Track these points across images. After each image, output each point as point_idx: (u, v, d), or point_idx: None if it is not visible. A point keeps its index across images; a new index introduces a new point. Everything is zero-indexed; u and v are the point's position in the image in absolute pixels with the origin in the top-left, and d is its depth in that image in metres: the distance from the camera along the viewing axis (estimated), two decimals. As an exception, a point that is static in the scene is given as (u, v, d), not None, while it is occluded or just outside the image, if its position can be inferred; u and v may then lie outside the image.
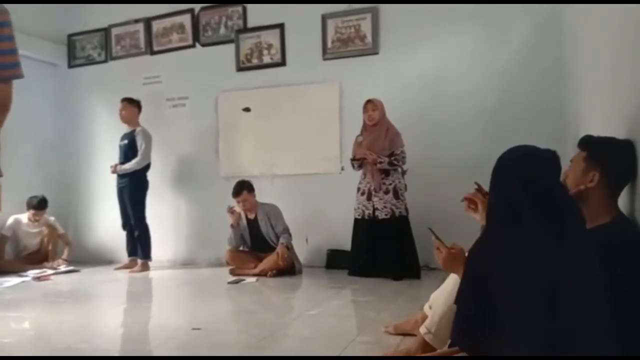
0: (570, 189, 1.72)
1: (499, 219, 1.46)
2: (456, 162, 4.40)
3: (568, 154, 3.36)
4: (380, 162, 4.14)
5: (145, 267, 4.97)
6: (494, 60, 4.45)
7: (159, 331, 2.87)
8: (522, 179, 1.43)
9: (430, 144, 4.53)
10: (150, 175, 5.12)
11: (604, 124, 2.29)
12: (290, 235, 4.55)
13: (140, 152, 4.98)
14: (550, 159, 1.50)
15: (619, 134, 1.81)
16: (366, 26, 4.84)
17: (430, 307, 2.27)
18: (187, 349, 2.43)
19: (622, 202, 1.73)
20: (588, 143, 1.78)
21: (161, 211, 5.38)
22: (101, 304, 3.80)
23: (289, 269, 4.43)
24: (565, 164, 2.83)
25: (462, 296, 1.45)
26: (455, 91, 4.53)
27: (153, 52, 5.70)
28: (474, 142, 4.38)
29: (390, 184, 4.18)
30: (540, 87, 4.28)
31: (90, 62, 5.99)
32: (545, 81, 4.25)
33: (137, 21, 5.76)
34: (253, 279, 4.26)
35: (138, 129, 5.06)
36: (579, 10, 3.14)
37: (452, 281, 2.14)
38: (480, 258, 1.42)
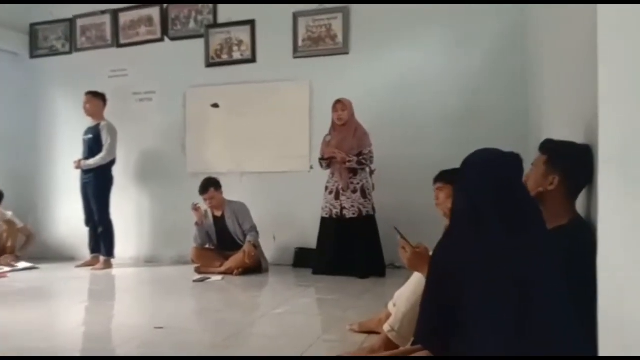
0: (530, 191, 1.78)
1: (463, 219, 1.49)
2: (423, 163, 4.42)
3: (531, 157, 3.45)
4: (349, 161, 4.16)
5: (107, 265, 4.86)
6: (462, 64, 4.53)
7: (121, 330, 2.82)
8: (486, 181, 1.48)
9: (397, 145, 4.58)
10: (115, 170, 5.01)
11: (564, 129, 2.37)
12: (257, 233, 4.54)
13: (105, 147, 4.86)
14: (513, 161, 1.56)
15: (578, 138, 1.88)
16: (337, 26, 4.86)
17: (394, 305, 2.30)
18: (150, 348, 2.39)
19: (579, 204, 1.80)
20: (549, 147, 1.83)
21: (125, 207, 5.28)
22: (62, 302, 3.70)
23: (255, 267, 4.42)
24: (527, 167, 2.91)
25: (427, 296, 1.47)
26: (424, 93, 4.60)
27: (120, 45, 5.58)
28: (440, 144, 4.45)
29: (358, 184, 4.21)
30: (506, 91, 4.38)
31: (54, 52, 5.81)
32: (511, 86, 4.35)
33: (103, 12, 5.63)
34: (219, 277, 4.22)
35: (103, 123, 4.94)
36: (543, 15, 3.23)
37: (416, 280, 2.17)
38: (445, 259, 1.45)
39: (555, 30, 2.68)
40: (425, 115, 4.59)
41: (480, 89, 4.47)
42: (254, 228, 4.53)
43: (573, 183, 1.73)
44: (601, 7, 1.22)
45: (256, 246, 4.45)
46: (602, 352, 1.14)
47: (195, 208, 4.55)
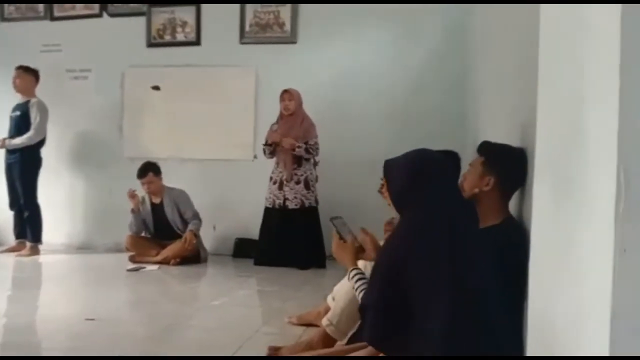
0: (467, 191, 1.84)
1: (406, 219, 1.53)
2: (365, 156, 4.49)
3: (468, 157, 3.57)
4: (299, 147, 4.14)
5: (34, 251, 4.58)
6: (407, 61, 4.60)
7: (48, 322, 2.67)
8: (411, 176, 1.53)
9: (341, 138, 4.59)
10: (45, 151, 4.72)
11: (501, 131, 2.46)
12: (200, 221, 4.42)
13: (33, 126, 4.56)
14: (441, 159, 1.61)
15: (514, 141, 1.96)
16: (285, 14, 4.79)
17: (333, 299, 2.32)
18: (79, 341, 2.29)
19: (512, 204, 1.89)
20: (486, 149, 1.90)
21: (57, 191, 4.99)
22: (-19, 291, 3.46)
23: (193, 257, 4.31)
24: (465, 167, 2.99)
25: (374, 296, 1.45)
26: (369, 88, 4.64)
27: (53, 18, 5.23)
28: (383, 139, 4.50)
29: (302, 175, 4.21)
30: (446, 91, 4.48)
31: (-23, 21, 5.37)
32: (451, 86, 4.46)
33: (36, -19, 5.26)
34: (154, 267, 4.08)
35: (33, 100, 4.64)
36: (485, 17, 3.33)
37: (361, 265, 2.20)
38: (393, 257, 1.46)
39: (495, 34, 2.77)
40: (369, 109, 4.62)
41: (422, 86, 4.56)
42: (196, 216, 4.42)
43: (508, 185, 1.80)
44: (544, 9, 1.26)
45: (196, 235, 4.35)
46: (529, 351, 1.20)
47: (132, 194, 4.37)
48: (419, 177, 1.51)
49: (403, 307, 1.37)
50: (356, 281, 1.76)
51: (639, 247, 0.71)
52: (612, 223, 0.73)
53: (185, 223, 4.40)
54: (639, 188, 0.71)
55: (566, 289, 0.97)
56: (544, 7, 1.26)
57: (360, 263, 2.20)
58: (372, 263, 2.12)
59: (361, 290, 1.68)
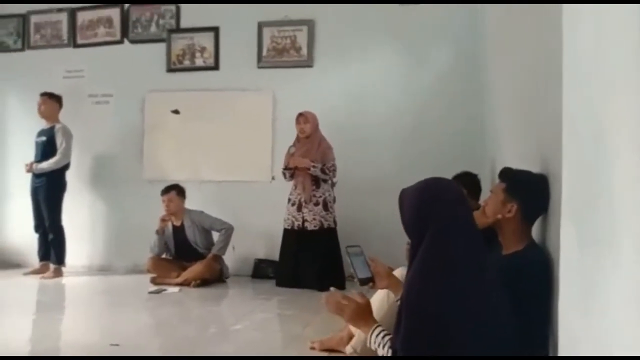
0: (489, 218, 1.84)
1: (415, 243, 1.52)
2: (381, 178, 4.52)
3: (486, 178, 3.56)
4: (314, 167, 4.18)
5: (58, 273, 4.66)
6: (418, 84, 4.64)
7: (72, 347, 2.70)
8: (419, 207, 1.51)
9: (357, 159, 4.61)
10: (68, 175, 4.83)
11: (519, 154, 2.46)
12: (231, 226, 4.47)
13: (59, 151, 4.68)
14: (447, 183, 1.60)
15: (534, 165, 1.97)
16: (302, 38, 4.87)
17: (356, 325, 2.32)
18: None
19: (535, 230, 1.88)
20: (508, 176, 1.89)
21: (78, 213, 5.08)
22: (6, 315, 3.47)
23: (216, 277, 4.35)
24: (485, 189, 2.97)
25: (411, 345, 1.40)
26: (383, 110, 4.68)
27: (77, 45, 5.38)
28: (397, 160, 4.54)
29: (320, 196, 4.23)
30: (461, 112, 4.50)
31: (5, 49, 5.54)
32: (467, 107, 4.48)
33: (60, 10, 5.42)
34: (175, 289, 4.13)
35: (58, 126, 4.76)
36: (498, 34, 3.34)
37: (379, 299, 2.20)
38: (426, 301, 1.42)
39: (510, 53, 2.77)
40: (382, 130, 4.65)
41: (436, 109, 4.56)
42: (225, 223, 4.47)
43: (530, 211, 1.80)
44: (567, 38, 1.24)
45: (219, 257, 4.39)
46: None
47: (164, 219, 4.44)
48: (427, 207, 1.49)
49: (437, 348, 1.36)
50: (383, 337, 1.60)
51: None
52: None
53: (211, 243, 4.48)
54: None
55: (597, 333, 0.96)
56: (567, 25, 1.24)
57: (380, 294, 2.21)
58: (387, 291, 2.12)
59: (388, 341, 1.57)
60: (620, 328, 0.83)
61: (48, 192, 4.66)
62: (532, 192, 1.79)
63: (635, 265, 0.77)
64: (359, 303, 1.70)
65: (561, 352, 1.22)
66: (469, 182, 3.16)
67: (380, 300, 2.18)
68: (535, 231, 1.86)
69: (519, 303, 1.49)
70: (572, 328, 1.17)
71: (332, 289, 1.80)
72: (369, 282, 1.92)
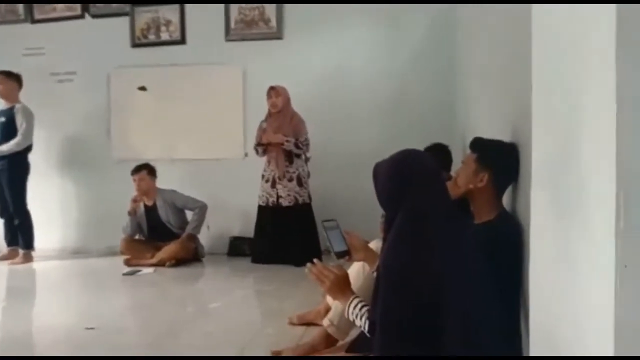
0: (461, 188, 1.85)
1: (402, 224, 1.52)
2: (355, 152, 4.50)
3: (458, 150, 3.58)
4: (287, 141, 4.14)
5: (27, 258, 4.55)
6: (393, 56, 4.60)
7: (47, 332, 2.67)
8: (394, 179, 1.51)
9: (331, 134, 4.59)
10: (34, 157, 4.67)
11: (491, 125, 2.47)
12: (205, 205, 4.43)
13: (20, 132, 4.50)
14: (427, 159, 1.59)
15: (506, 136, 1.98)
16: (270, 10, 4.75)
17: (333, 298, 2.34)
18: (81, 351, 2.29)
19: (505, 198, 1.91)
20: (479, 145, 1.90)
21: (48, 196, 4.95)
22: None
23: (191, 256, 4.32)
24: (456, 160, 2.99)
25: (392, 312, 1.39)
26: (357, 83, 4.63)
27: (34, 21, 5.14)
28: (372, 134, 4.52)
29: (294, 172, 4.21)
30: (435, 84, 4.49)
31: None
32: (440, 79, 4.47)
33: (14, -16, 5.15)
34: (150, 270, 4.08)
35: (18, 106, 4.57)
36: (474, 11, 3.33)
37: (354, 271, 2.21)
38: (397, 266, 1.42)
39: (483, 25, 2.76)
40: (358, 104, 4.63)
41: (409, 81, 4.56)
42: (199, 202, 4.43)
43: (501, 180, 1.82)
44: (536, 9, 1.24)
45: (194, 236, 4.36)
46: (532, 352, 1.22)
47: (135, 199, 4.36)
48: (402, 179, 1.48)
49: (416, 320, 1.36)
50: (360, 309, 1.60)
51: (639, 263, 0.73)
52: (613, 238, 0.74)
53: (184, 222, 4.43)
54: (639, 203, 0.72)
55: (567, 301, 0.98)
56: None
57: (355, 267, 2.22)
58: (362, 263, 2.13)
59: (365, 312, 1.58)
60: (588, 296, 0.85)
61: (11, 176, 4.49)
62: (503, 161, 1.80)
63: (603, 232, 0.78)
64: (337, 274, 1.70)
65: (532, 319, 1.25)
66: (440, 153, 3.18)
67: (356, 272, 2.19)
68: (505, 200, 1.89)
69: (494, 273, 1.52)
70: (542, 296, 1.19)
71: (315, 260, 1.80)
72: (345, 255, 1.92)
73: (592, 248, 0.84)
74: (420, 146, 2.65)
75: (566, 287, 0.99)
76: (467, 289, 1.38)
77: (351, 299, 1.65)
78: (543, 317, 1.14)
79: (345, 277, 1.73)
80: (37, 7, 5.12)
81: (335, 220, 1.99)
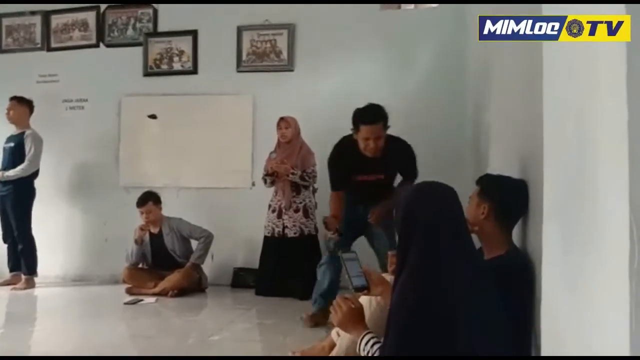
0: (470, 223, 1.83)
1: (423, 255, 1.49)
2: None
3: (467, 179, 3.54)
4: (293, 174, 4.11)
5: (30, 284, 4.50)
6: (402, 88, 4.57)
7: (43, 361, 2.60)
8: (407, 208, 1.53)
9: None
10: (41, 182, 4.68)
11: (502, 160, 2.44)
12: (211, 234, 4.36)
13: (28, 157, 4.52)
14: (427, 192, 1.58)
15: (515, 170, 1.95)
16: (282, 42, 4.81)
17: (338, 334, 2.27)
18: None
19: (516, 238, 1.87)
20: (483, 180, 1.92)
21: (52, 222, 4.93)
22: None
23: (194, 286, 4.25)
24: (465, 192, 2.96)
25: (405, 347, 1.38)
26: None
27: (50, 49, 5.25)
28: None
29: (301, 203, 4.17)
30: (442, 117, 4.45)
31: (-27, 52, 5.38)
32: (448, 112, 4.43)
33: (33, 13, 5.28)
34: (152, 299, 4.01)
35: (28, 132, 4.61)
36: (485, 44, 3.33)
37: (365, 300, 2.15)
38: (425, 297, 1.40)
39: (500, 64, 2.75)
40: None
41: (417, 111, 4.50)
42: (205, 231, 4.37)
43: (503, 211, 1.80)
44: (546, 45, 1.25)
45: (198, 266, 4.29)
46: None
47: (143, 228, 4.32)
48: (413, 219, 1.49)
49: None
50: (372, 345, 1.58)
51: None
52: (627, 277, 0.71)
53: (189, 252, 4.37)
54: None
55: (580, 337, 0.94)
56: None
57: (364, 299, 2.16)
58: (370, 297, 2.08)
59: (377, 350, 1.56)
60: (603, 333, 0.82)
61: (15, 201, 4.49)
62: (503, 192, 1.81)
63: (619, 266, 0.75)
64: (351, 308, 1.69)
65: (544, 352, 1.21)
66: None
67: (367, 302, 2.13)
68: (515, 237, 1.85)
69: (505, 306, 1.48)
70: (556, 330, 1.14)
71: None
72: (364, 289, 1.88)
73: (606, 285, 0.81)
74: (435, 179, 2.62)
75: (579, 323, 0.96)
76: (479, 326, 1.35)
77: (364, 334, 1.63)
78: (555, 352, 1.10)
79: (360, 310, 1.72)
80: (54, 36, 5.23)
81: (355, 252, 1.95)
